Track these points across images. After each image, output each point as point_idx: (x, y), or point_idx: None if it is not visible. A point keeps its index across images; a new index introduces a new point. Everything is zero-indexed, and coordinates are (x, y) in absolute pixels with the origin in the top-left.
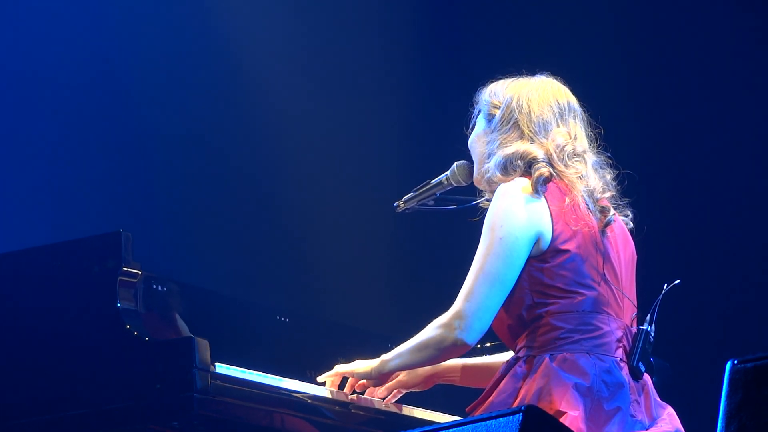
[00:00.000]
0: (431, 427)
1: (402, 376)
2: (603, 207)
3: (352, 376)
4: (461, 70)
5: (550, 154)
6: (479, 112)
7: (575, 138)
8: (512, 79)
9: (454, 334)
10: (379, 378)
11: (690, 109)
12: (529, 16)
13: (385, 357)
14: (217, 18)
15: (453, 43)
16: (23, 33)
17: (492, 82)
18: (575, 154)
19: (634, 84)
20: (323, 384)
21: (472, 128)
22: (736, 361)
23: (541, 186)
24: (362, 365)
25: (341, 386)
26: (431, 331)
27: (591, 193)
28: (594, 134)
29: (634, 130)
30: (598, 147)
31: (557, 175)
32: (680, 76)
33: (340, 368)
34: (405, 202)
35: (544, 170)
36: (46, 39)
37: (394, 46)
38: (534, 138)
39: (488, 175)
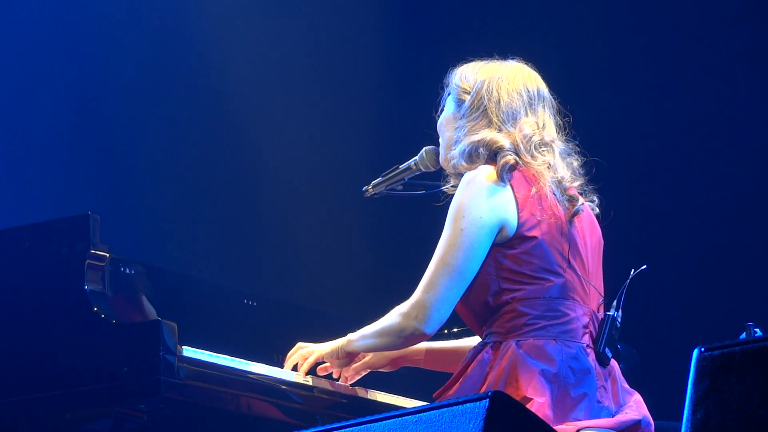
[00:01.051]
0: (398, 412)
1: (369, 357)
2: (571, 196)
3: (318, 358)
4: (431, 56)
5: (517, 144)
6: (449, 94)
7: (543, 127)
8: (483, 62)
9: (413, 323)
10: (346, 357)
11: (658, 93)
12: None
13: (351, 336)
14: (191, 7)
15: (423, 30)
16: None
17: (463, 64)
18: (543, 144)
19: (602, 70)
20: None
21: (441, 110)
22: (702, 349)
23: (506, 174)
24: (327, 346)
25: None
26: (392, 318)
27: (559, 182)
28: (563, 122)
29: (602, 115)
30: (566, 135)
31: (523, 165)
32: (649, 60)
33: (304, 351)
34: (373, 186)
35: (509, 158)
36: (19, 27)
37: (364, 34)
38: (502, 127)
39: (453, 161)
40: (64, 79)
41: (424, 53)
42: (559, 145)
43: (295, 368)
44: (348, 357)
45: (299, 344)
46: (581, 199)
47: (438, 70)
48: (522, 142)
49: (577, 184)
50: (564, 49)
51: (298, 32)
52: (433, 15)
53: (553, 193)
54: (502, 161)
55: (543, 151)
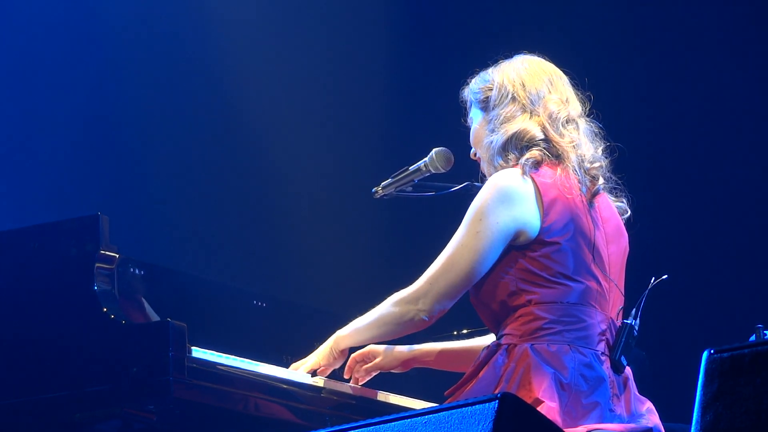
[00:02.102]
0: (407, 413)
1: (380, 359)
2: (593, 176)
3: (312, 366)
4: (441, 58)
5: (544, 126)
6: (471, 106)
7: (567, 101)
8: (493, 66)
9: (414, 309)
10: (340, 355)
11: (679, 101)
12: (508, 3)
13: (340, 333)
14: (200, 9)
15: (432, 32)
16: (4, 28)
17: (473, 77)
18: (569, 120)
19: (615, 74)
20: None
21: (470, 125)
22: (712, 351)
23: (530, 168)
24: (318, 353)
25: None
26: (390, 307)
27: (581, 161)
28: (584, 97)
29: (610, 118)
30: (588, 114)
31: (553, 145)
32: (669, 64)
33: (296, 364)
34: (383, 188)
35: (536, 152)
36: (29, 28)
37: (373, 35)
38: (531, 108)
39: (490, 153)
40: (74, 80)
41: (433, 55)
42: (583, 123)
43: None
44: (342, 355)
45: (293, 365)
46: (602, 180)
47: (447, 72)
48: (548, 122)
49: (597, 165)
50: (576, 50)
51: (307, 34)
52: (442, 18)
53: (576, 173)
54: (528, 154)
55: (569, 128)
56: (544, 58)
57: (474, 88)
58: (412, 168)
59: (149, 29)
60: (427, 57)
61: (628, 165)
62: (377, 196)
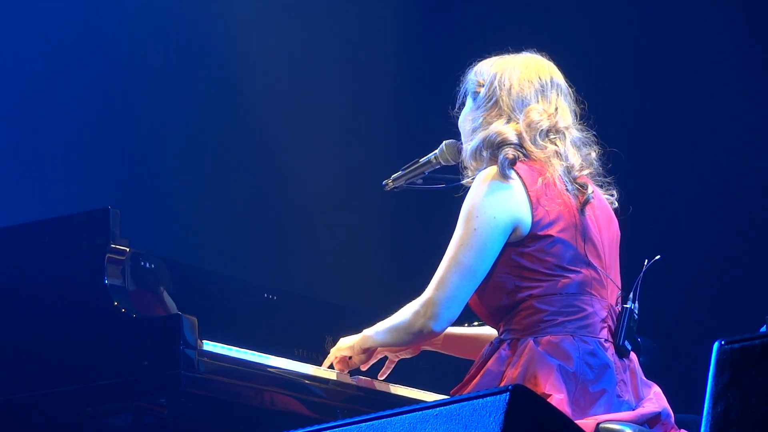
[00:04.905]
0: (419, 406)
1: None
2: (581, 184)
3: (339, 353)
4: (450, 50)
5: (521, 134)
6: (466, 91)
7: (556, 112)
8: (498, 57)
9: (422, 321)
10: (363, 353)
11: (678, 87)
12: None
13: (367, 332)
14: (212, 4)
15: (441, 24)
16: (16, 22)
17: (479, 61)
18: (555, 130)
19: (622, 64)
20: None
21: (461, 108)
22: (723, 342)
23: (507, 169)
24: (346, 342)
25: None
26: (404, 314)
27: (569, 170)
28: (579, 110)
29: (621, 105)
30: (583, 124)
31: (527, 155)
32: (670, 53)
33: (333, 349)
34: (393, 180)
35: (509, 151)
36: (39, 26)
37: (383, 27)
38: (511, 115)
39: (466, 156)
40: (84, 73)
41: (442, 47)
42: (572, 132)
43: (331, 367)
44: (365, 353)
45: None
46: (591, 187)
47: (456, 64)
48: (526, 131)
49: (586, 172)
50: (582, 41)
51: (317, 26)
52: (451, 10)
53: (563, 182)
54: (502, 155)
55: (553, 138)
56: (549, 59)
57: (472, 77)
58: (422, 160)
59: (162, 23)
60: (437, 48)
61: (638, 151)
62: (388, 188)
